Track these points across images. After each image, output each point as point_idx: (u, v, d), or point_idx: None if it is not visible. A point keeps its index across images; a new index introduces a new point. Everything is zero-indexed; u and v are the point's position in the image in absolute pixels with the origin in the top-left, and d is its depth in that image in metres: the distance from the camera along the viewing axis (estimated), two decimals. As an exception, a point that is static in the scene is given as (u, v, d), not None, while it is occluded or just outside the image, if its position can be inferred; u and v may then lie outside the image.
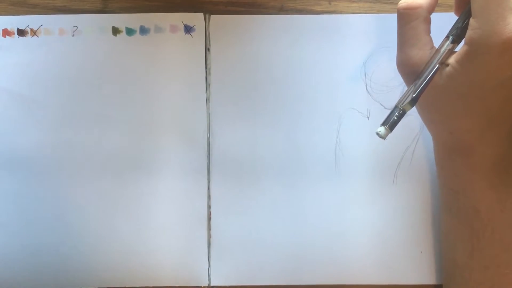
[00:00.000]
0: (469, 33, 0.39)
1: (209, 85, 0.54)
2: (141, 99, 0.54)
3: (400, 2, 0.44)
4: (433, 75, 0.42)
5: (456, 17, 0.44)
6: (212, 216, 0.53)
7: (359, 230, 0.53)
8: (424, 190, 0.53)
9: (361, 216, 0.53)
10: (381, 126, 0.42)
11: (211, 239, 0.53)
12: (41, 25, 0.54)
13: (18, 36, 0.54)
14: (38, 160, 0.53)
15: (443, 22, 0.45)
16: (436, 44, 0.44)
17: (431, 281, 0.52)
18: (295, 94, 0.54)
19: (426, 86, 0.42)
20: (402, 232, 0.53)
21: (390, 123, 0.42)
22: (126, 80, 0.54)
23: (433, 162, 0.51)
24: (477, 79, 0.40)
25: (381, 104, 0.53)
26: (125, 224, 0.53)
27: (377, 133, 0.42)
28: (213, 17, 0.54)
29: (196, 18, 0.54)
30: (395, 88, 0.53)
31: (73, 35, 0.54)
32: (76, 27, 0.54)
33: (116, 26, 0.54)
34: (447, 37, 0.43)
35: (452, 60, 0.41)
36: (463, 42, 0.41)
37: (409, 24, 0.44)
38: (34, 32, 0.54)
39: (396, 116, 0.42)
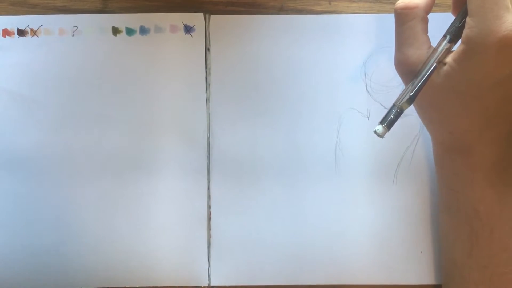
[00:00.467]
0: (466, 32, 0.40)
1: (209, 85, 0.54)
2: (141, 99, 0.54)
3: (398, 2, 0.45)
4: (431, 74, 0.42)
5: (454, 17, 0.44)
6: (212, 216, 0.53)
7: (359, 230, 0.53)
8: (424, 190, 0.53)
9: (361, 216, 0.53)
10: (379, 124, 0.43)
11: (211, 239, 0.53)
12: (41, 25, 0.54)
13: (18, 36, 0.54)
14: (38, 160, 0.53)
15: (441, 22, 0.45)
16: (434, 44, 0.44)
17: (431, 281, 0.52)
18: (295, 94, 0.54)
19: (423, 85, 0.42)
20: (402, 232, 0.53)
21: (388, 122, 0.43)
22: (126, 80, 0.54)
23: (432, 162, 0.51)
24: (475, 78, 0.41)
25: (381, 104, 0.53)
26: (125, 224, 0.53)
27: (375, 132, 0.43)
28: (213, 17, 0.54)
29: (196, 18, 0.54)
30: (395, 88, 0.53)
31: (73, 35, 0.54)
32: (76, 27, 0.54)
33: (116, 26, 0.54)
34: (445, 36, 0.43)
35: (449, 59, 0.42)
36: (460, 41, 0.41)
37: (407, 24, 0.44)
38: (34, 32, 0.54)
39: (394, 114, 0.43)
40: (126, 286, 0.53)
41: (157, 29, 0.54)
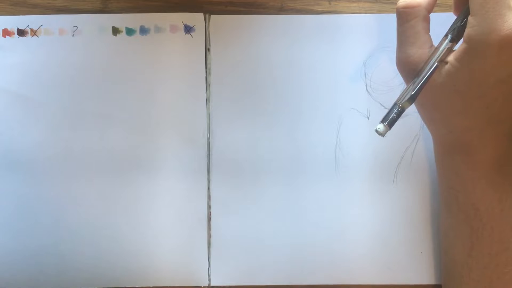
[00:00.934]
0: (467, 31, 0.40)
1: (209, 85, 0.54)
2: (141, 99, 0.54)
3: (399, 1, 0.45)
4: (432, 73, 0.42)
5: (455, 17, 0.44)
6: (212, 216, 0.53)
7: (359, 230, 0.53)
8: (424, 190, 0.53)
9: (361, 216, 0.53)
10: (380, 123, 0.43)
11: (211, 239, 0.53)
12: (41, 25, 0.54)
13: (18, 36, 0.54)
14: (38, 160, 0.53)
15: (442, 22, 0.45)
16: (435, 43, 0.44)
17: (431, 281, 0.52)
18: (295, 94, 0.54)
19: (424, 83, 0.42)
20: (402, 232, 0.53)
21: (389, 121, 0.43)
22: (126, 80, 0.54)
23: (433, 162, 0.51)
24: (476, 77, 0.41)
25: (381, 104, 0.53)
26: (125, 224, 0.53)
27: (376, 130, 0.43)
28: (213, 17, 0.54)
29: (196, 18, 0.54)
30: (395, 88, 0.53)
31: (73, 35, 0.54)
32: (76, 27, 0.54)
33: (116, 26, 0.54)
34: (446, 35, 0.43)
35: (451, 58, 0.42)
36: (462, 40, 0.41)
37: (408, 23, 0.44)
38: (34, 32, 0.54)
39: (395, 113, 0.43)
40: (126, 286, 0.53)
41: (157, 29, 0.54)
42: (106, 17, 0.54)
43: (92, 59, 0.54)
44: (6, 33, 0.54)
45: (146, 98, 0.54)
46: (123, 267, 0.53)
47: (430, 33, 0.45)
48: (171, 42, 0.54)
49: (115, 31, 0.54)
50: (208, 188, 0.53)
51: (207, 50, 0.54)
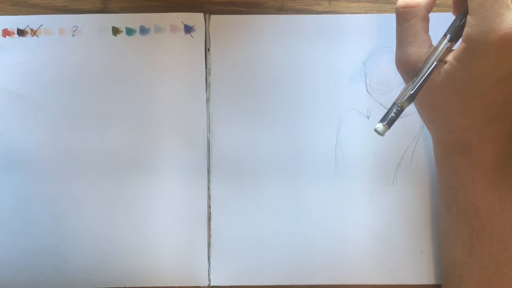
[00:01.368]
0: (466, 30, 0.40)
1: (209, 85, 0.54)
2: (141, 99, 0.54)
3: (399, 0, 0.45)
4: (431, 73, 0.42)
5: (454, 17, 0.44)
6: (212, 216, 0.53)
7: (359, 230, 0.53)
8: (424, 189, 0.53)
9: (361, 216, 0.53)
10: (379, 122, 0.43)
11: (211, 239, 0.53)
12: (41, 25, 0.54)
13: (18, 36, 0.54)
14: (38, 160, 0.53)
15: (441, 22, 0.45)
16: (435, 43, 0.44)
17: (431, 281, 0.52)
18: (295, 94, 0.54)
19: (424, 83, 0.42)
20: (402, 232, 0.53)
21: (389, 120, 0.43)
22: (126, 80, 0.54)
23: (433, 162, 0.51)
24: (475, 76, 0.41)
25: (381, 104, 0.53)
26: (125, 224, 0.53)
27: (376, 130, 0.43)
28: (213, 17, 0.54)
29: (196, 18, 0.54)
30: (395, 88, 0.53)
31: (73, 35, 0.54)
32: (76, 27, 0.54)
33: (116, 26, 0.54)
34: (445, 35, 0.43)
35: (450, 57, 0.42)
36: (461, 40, 0.41)
37: (408, 22, 0.44)
38: (34, 32, 0.54)
39: (395, 113, 0.43)
40: (126, 286, 0.53)
41: (157, 29, 0.54)
42: (106, 17, 0.54)
43: (92, 59, 0.54)
44: (6, 33, 0.54)
45: (146, 98, 0.54)
46: (123, 267, 0.53)
47: (429, 33, 0.45)
48: (171, 42, 0.54)
49: (115, 31, 0.54)
50: (208, 188, 0.53)
51: (207, 50, 0.54)
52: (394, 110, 0.43)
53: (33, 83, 0.54)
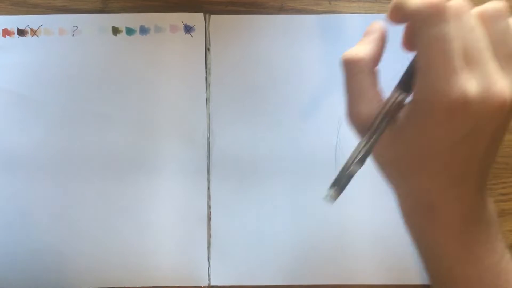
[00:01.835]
0: (415, 90, 0.36)
1: (209, 85, 0.54)
2: (141, 99, 0.54)
3: (344, 53, 0.40)
4: (382, 131, 0.38)
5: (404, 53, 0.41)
6: (212, 216, 0.53)
7: (359, 230, 0.53)
8: None
9: (361, 216, 0.53)
10: (330, 188, 0.39)
11: (211, 239, 0.53)
12: (41, 25, 0.54)
13: (18, 36, 0.54)
14: (38, 160, 0.53)
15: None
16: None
17: None
18: (295, 94, 0.54)
19: (374, 143, 0.38)
20: (403, 232, 0.52)
21: (340, 185, 0.39)
22: (126, 80, 0.54)
23: None
24: (427, 138, 0.36)
25: None
26: (125, 224, 0.53)
27: (326, 197, 0.39)
28: (213, 17, 0.54)
29: (196, 18, 0.54)
30: None
31: (73, 35, 0.54)
32: (76, 27, 0.54)
33: (116, 26, 0.54)
34: (396, 89, 0.38)
35: (401, 114, 0.37)
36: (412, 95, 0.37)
37: (354, 78, 0.39)
38: (34, 32, 0.54)
39: (345, 178, 0.39)
40: (126, 286, 0.53)
41: (157, 29, 0.54)
42: (106, 17, 0.54)
43: (92, 59, 0.54)
44: (6, 33, 0.54)
45: (146, 98, 0.54)
46: (123, 267, 0.53)
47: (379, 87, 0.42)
48: (171, 42, 0.54)
49: (115, 31, 0.54)
50: (208, 188, 0.53)
51: (207, 50, 0.54)
52: (345, 175, 0.39)
53: (33, 83, 0.54)
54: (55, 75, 0.54)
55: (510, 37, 0.35)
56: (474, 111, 0.34)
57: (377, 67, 0.40)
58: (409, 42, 0.41)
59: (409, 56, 0.49)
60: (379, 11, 0.55)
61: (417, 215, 0.42)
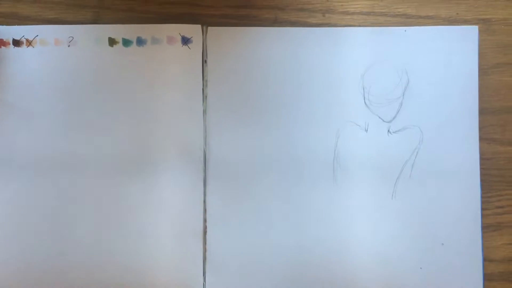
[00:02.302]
0: None
1: (206, 97, 0.54)
2: (138, 110, 0.53)
3: None
4: None
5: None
6: (207, 230, 0.53)
7: (357, 245, 0.53)
8: (423, 204, 0.53)
9: (359, 230, 0.53)
10: None
11: (207, 253, 0.52)
12: (37, 35, 0.54)
13: (13, 46, 0.54)
14: (30, 171, 0.53)
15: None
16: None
17: None
18: (292, 106, 0.54)
19: None
20: (401, 247, 0.52)
21: None
22: (122, 91, 0.53)
23: (433, 176, 0.52)
24: None
25: (379, 117, 0.53)
26: (120, 238, 0.52)
27: None
28: (210, 29, 0.54)
29: (193, 30, 0.54)
30: (394, 101, 0.53)
31: (68, 46, 0.54)
32: (72, 38, 0.54)
33: (113, 37, 0.54)
34: None
35: None
36: None
37: None
38: (29, 43, 0.54)
39: None
40: None
41: (154, 40, 0.54)
42: (102, 28, 0.54)
43: (88, 70, 0.54)
44: (1, 43, 0.54)
45: (142, 109, 0.53)
46: (118, 283, 0.52)
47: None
48: (168, 53, 0.54)
49: (112, 42, 0.54)
50: (204, 201, 0.53)
51: (204, 62, 0.54)
52: None
53: (28, 94, 0.53)
54: (51, 85, 0.54)
55: None
56: None
57: None
58: None
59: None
60: (373, 24, 0.55)
61: None
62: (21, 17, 0.55)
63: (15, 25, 0.55)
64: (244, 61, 0.54)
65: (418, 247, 0.53)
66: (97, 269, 0.53)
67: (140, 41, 0.54)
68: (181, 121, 0.54)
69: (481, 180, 0.54)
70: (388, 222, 0.53)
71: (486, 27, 0.56)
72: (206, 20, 0.55)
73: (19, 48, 0.54)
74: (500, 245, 0.54)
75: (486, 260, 0.54)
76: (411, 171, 0.53)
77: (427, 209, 0.53)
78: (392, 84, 0.52)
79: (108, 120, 0.54)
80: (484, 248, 0.54)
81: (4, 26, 0.55)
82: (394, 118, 0.53)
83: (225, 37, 0.54)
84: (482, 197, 0.54)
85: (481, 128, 0.54)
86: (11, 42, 0.54)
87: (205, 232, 0.53)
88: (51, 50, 0.54)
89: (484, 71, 0.55)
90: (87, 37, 0.54)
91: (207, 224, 0.53)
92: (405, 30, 0.54)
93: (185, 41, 0.54)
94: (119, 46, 0.54)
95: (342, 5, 0.56)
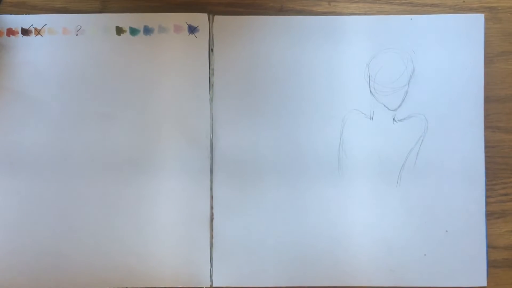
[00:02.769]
0: None
1: (212, 85, 0.54)
2: (144, 99, 0.54)
3: None
4: None
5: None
6: (214, 217, 0.53)
7: (361, 232, 0.53)
8: (428, 192, 0.53)
9: (364, 218, 0.53)
10: None
11: (214, 240, 0.53)
12: (45, 25, 0.54)
13: (22, 35, 0.54)
14: (40, 159, 0.53)
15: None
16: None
17: (434, 283, 0.53)
18: (298, 95, 0.54)
19: None
20: (405, 234, 0.53)
21: None
22: (129, 80, 0.54)
23: (437, 164, 0.52)
24: None
25: (384, 106, 0.53)
26: (127, 224, 0.53)
27: None
28: (216, 17, 0.54)
29: (200, 19, 0.54)
30: (399, 89, 0.54)
31: (76, 35, 0.54)
32: (79, 27, 0.54)
33: (120, 26, 0.54)
34: None
35: None
36: None
37: None
38: (38, 32, 0.54)
39: None
40: (128, 287, 0.53)
41: (161, 29, 0.54)
42: (109, 17, 0.54)
43: (95, 59, 0.54)
44: (10, 32, 0.54)
45: (149, 98, 0.54)
46: (125, 268, 0.53)
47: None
48: (175, 42, 0.54)
49: (119, 30, 0.54)
50: (211, 189, 0.53)
51: (210, 50, 0.54)
52: None
53: (36, 83, 0.54)
54: (59, 74, 0.54)
55: None
56: None
57: None
58: None
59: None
60: (379, 12, 0.55)
61: None
62: (30, 6, 0.55)
63: (23, 14, 0.55)
64: (250, 50, 0.55)
65: (422, 234, 0.53)
66: (105, 255, 0.53)
67: (147, 30, 0.54)
68: (187, 110, 0.54)
69: (486, 168, 0.54)
70: (392, 210, 0.53)
71: (492, 15, 0.55)
72: (213, 9, 0.55)
73: (28, 37, 0.54)
74: (504, 232, 0.55)
75: (490, 247, 0.54)
76: (416, 159, 0.54)
77: (431, 197, 0.54)
78: (397, 72, 0.52)
79: (115, 108, 0.54)
80: (488, 235, 0.54)
81: (13, 15, 0.55)
82: (399, 106, 0.54)
83: (231, 26, 0.55)
84: (486, 184, 0.54)
85: (486, 116, 0.54)
86: (19, 31, 0.55)
87: (212, 219, 0.54)
88: (59, 39, 0.54)
89: (489, 59, 0.55)
90: (94, 26, 0.54)
91: (214, 211, 0.54)
92: (411, 19, 0.54)
93: (192, 29, 0.54)
94: (126, 35, 0.54)
95: (347, -7, 0.55)
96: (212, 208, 0.54)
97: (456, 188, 0.53)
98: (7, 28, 0.55)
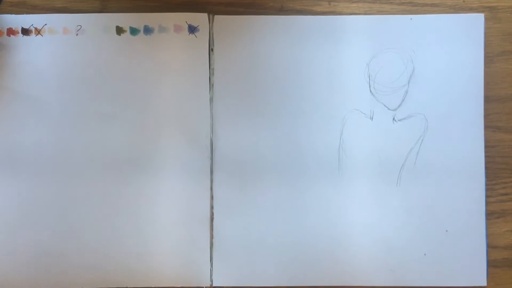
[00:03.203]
0: None
1: (213, 85, 0.54)
2: (144, 98, 0.54)
3: None
4: None
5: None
6: (214, 216, 0.53)
7: (361, 231, 0.53)
8: (428, 191, 0.53)
9: (363, 217, 0.53)
10: None
11: (214, 239, 0.53)
12: (45, 24, 0.54)
13: (22, 35, 0.54)
14: (40, 159, 0.54)
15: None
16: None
17: (434, 283, 0.53)
18: (298, 95, 0.54)
19: None
20: (405, 233, 0.53)
21: None
22: (130, 79, 0.54)
23: (437, 164, 0.52)
24: None
25: (384, 105, 0.54)
26: (127, 224, 0.53)
27: None
28: (216, 17, 0.54)
29: (200, 18, 0.54)
30: (399, 89, 0.54)
31: (77, 34, 0.54)
32: (80, 26, 0.54)
33: (120, 26, 0.54)
34: None
35: None
36: None
37: None
38: (38, 31, 0.54)
39: None
40: (128, 287, 0.53)
41: (161, 29, 0.54)
42: (110, 17, 0.54)
43: (96, 59, 0.54)
44: (10, 32, 0.54)
45: (149, 98, 0.54)
46: (125, 268, 0.53)
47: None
48: (175, 42, 0.54)
49: (119, 30, 0.54)
50: (211, 189, 0.54)
51: (210, 50, 0.54)
52: None
53: (36, 82, 0.54)
54: (59, 74, 0.54)
55: None
56: None
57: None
58: None
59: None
60: (378, 12, 0.55)
61: None
62: (30, 6, 0.55)
63: (24, 14, 0.55)
64: (250, 49, 0.55)
65: (422, 234, 0.54)
66: (105, 255, 0.53)
67: (147, 30, 0.54)
68: (188, 109, 0.54)
69: (486, 168, 0.54)
70: (392, 210, 0.53)
71: (492, 15, 0.55)
72: (213, 8, 0.55)
73: (28, 36, 0.54)
74: (504, 232, 0.55)
75: (490, 246, 0.54)
76: (416, 159, 0.54)
77: (431, 197, 0.54)
78: (397, 72, 0.53)
79: (115, 108, 0.54)
80: (488, 235, 0.54)
81: (13, 15, 0.55)
82: (399, 106, 0.54)
83: (231, 26, 0.55)
84: (486, 184, 0.54)
85: (486, 116, 0.54)
86: (20, 31, 0.55)
87: (212, 219, 0.54)
88: (59, 39, 0.54)
89: (489, 59, 0.55)
90: (95, 25, 0.54)
91: (214, 211, 0.54)
92: (411, 18, 0.54)
93: (192, 29, 0.54)
94: (127, 35, 0.54)
95: (347, -7, 0.55)
96: (212, 208, 0.54)
97: (456, 188, 0.53)
98: (7, 28, 0.55)
